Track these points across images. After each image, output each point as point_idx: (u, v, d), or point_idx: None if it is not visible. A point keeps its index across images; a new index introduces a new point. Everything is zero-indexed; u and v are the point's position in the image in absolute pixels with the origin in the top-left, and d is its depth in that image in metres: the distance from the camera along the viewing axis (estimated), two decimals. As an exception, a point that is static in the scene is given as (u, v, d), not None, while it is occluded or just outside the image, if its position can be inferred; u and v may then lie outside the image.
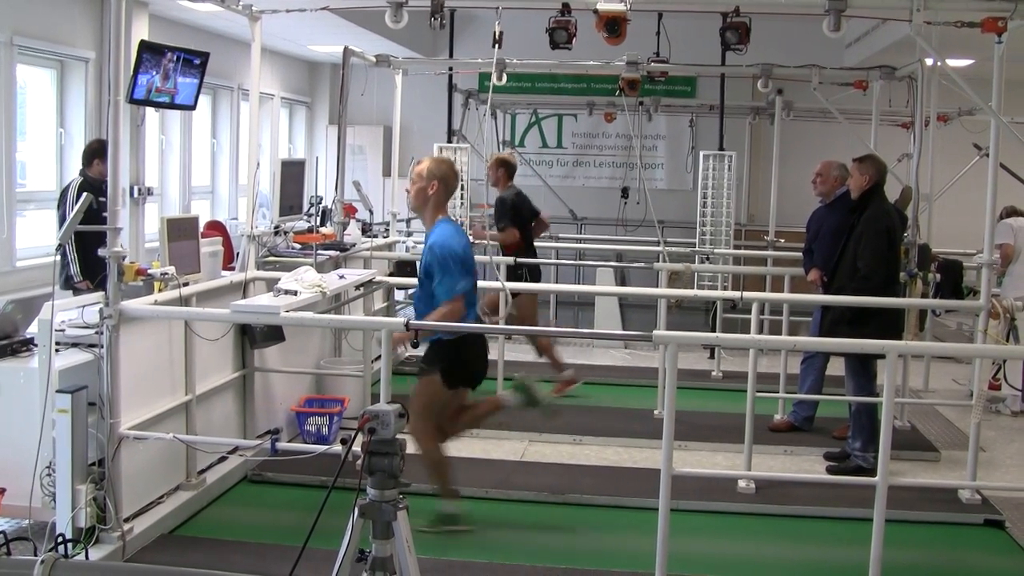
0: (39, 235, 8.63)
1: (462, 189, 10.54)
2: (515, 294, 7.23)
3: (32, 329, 4.81)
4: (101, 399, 4.62)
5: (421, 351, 5.12)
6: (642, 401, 7.78)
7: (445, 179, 5.06)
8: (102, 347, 4.62)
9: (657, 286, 8.07)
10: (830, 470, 6.34)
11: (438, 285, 4.92)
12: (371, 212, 8.90)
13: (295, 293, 5.11)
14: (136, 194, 7.73)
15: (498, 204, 8.10)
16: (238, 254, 6.64)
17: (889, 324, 6.11)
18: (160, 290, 5.20)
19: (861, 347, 5.28)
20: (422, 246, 5.24)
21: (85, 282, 7.37)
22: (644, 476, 5.86)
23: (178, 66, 6.78)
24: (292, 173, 7.80)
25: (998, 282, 8.07)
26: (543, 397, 5.39)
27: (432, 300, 4.99)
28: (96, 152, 7.16)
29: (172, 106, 7.21)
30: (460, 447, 6.61)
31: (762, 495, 5.77)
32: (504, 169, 8.19)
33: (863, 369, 6.23)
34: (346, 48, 7.87)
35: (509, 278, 7.49)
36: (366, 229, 8.76)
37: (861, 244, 6.16)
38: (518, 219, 8.05)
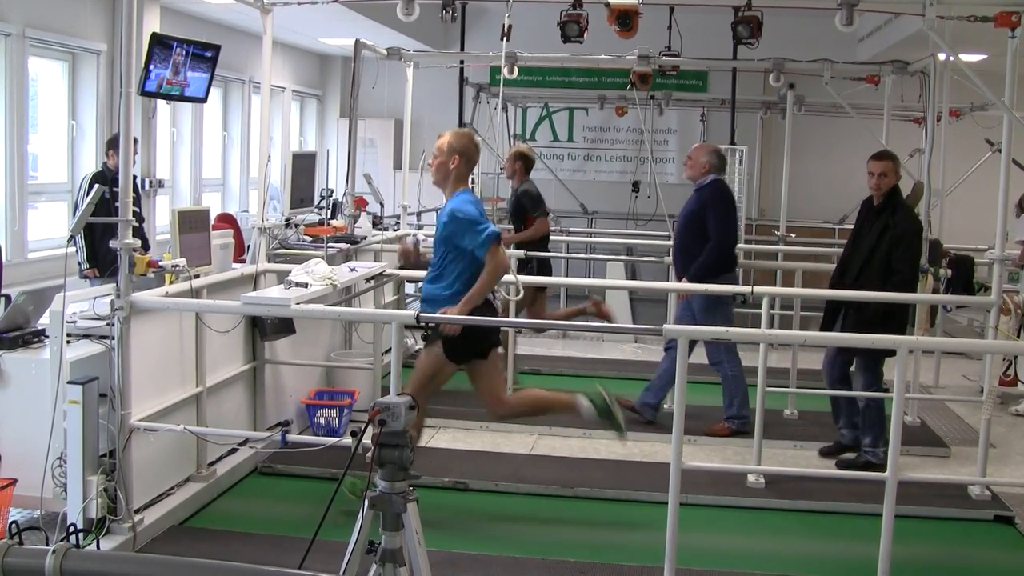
0: (51, 227, 8.67)
1: (473, 183, 10.54)
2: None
3: (44, 320, 4.83)
4: (112, 390, 4.64)
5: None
6: (652, 395, 7.77)
7: (466, 152, 5.01)
8: (113, 339, 4.63)
9: (667, 280, 8.07)
10: (840, 464, 6.33)
11: (471, 241, 4.79)
12: (382, 205, 8.90)
13: (306, 285, 5.12)
14: (147, 186, 7.81)
15: (524, 196, 8.03)
16: (249, 247, 6.66)
17: (904, 321, 6.08)
18: (171, 282, 5.22)
19: (872, 342, 5.26)
20: (432, 237, 5.23)
21: (92, 270, 7.43)
22: (654, 470, 5.85)
23: (187, 59, 6.80)
24: (303, 166, 7.81)
25: (1014, 278, 8.02)
26: (620, 418, 5.09)
27: (448, 267, 4.94)
28: (111, 143, 7.22)
29: (183, 99, 7.25)
30: (471, 440, 6.67)
31: (772, 489, 5.76)
32: (522, 162, 8.14)
33: (876, 366, 6.18)
34: (357, 41, 7.86)
35: (518, 271, 7.48)
36: (377, 222, 8.77)
37: (901, 247, 5.97)
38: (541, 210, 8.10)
